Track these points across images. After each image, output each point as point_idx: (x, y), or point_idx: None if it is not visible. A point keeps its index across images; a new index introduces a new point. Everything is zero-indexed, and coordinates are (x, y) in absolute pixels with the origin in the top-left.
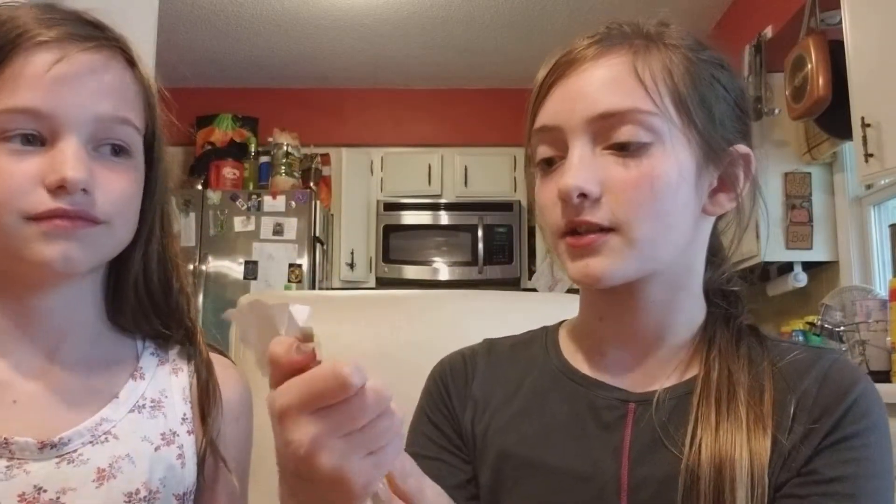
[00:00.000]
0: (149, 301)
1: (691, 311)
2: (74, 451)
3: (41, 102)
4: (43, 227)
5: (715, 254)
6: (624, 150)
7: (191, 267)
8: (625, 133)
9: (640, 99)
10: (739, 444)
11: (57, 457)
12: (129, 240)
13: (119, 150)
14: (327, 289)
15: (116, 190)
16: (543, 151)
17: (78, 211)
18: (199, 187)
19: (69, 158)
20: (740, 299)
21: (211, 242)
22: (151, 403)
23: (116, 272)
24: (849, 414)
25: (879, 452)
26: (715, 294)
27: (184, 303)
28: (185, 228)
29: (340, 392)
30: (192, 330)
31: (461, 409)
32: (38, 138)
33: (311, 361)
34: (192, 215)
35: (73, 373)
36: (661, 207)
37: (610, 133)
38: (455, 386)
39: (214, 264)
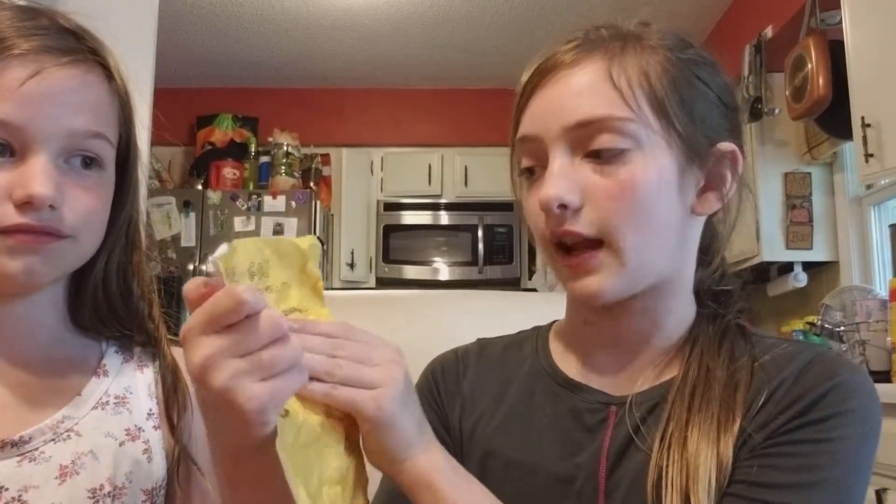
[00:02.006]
0: (107, 307)
1: (681, 313)
2: (36, 448)
3: (13, 116)
4: (8, 241)
5: (706, 252)
6: (601, 157)
7: (191, 267)
8: (602, 141)
9: (615, 105)
10: (706, 440)
11: (18, 455)
12: (94, 251)
13: (90, 163)
14: (327, 289)
15: (84, 205)
16: (525, 161)
17: (44, 226)
18: (200, 187)
19: (38, 174)
20: (731, 298)
21: (211, 242)
22: (115, 400)
23: (78, 278)
24: (820, 402)
25: (852, 441)
26: (706, 294)
27: (144, 308)
28: (185, 228)
29: (234, 310)
30: (154, 335)
31: (450, 407)
32: (8, 149)
33: (217, 290)
34: (193, 215)
35: (36, 373)
36: (644, 215)
37: (588, 142)
38: (445, 383)
39: None
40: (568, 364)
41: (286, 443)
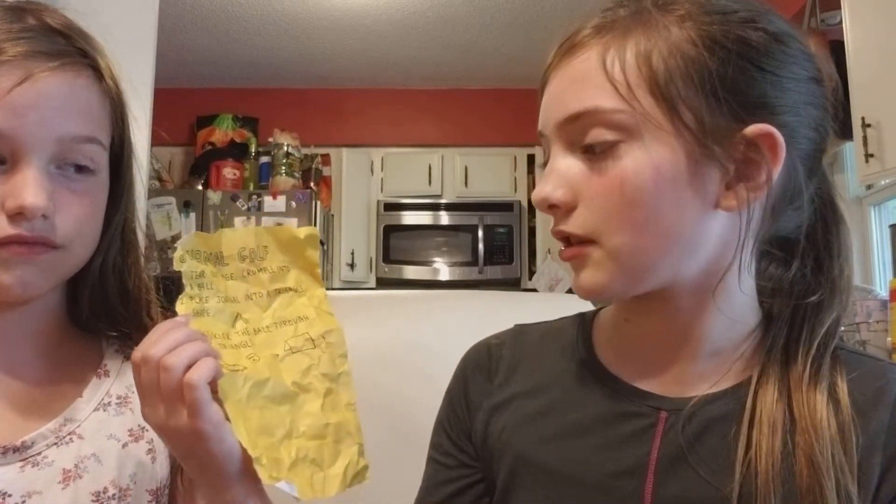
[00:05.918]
0: (104, 308)
1: (731, 316)
2: (39, 453)
3: (2, 124)
4: (2, 253)
5: (781, 248)
6: (594, 152)
7: None
8: (592, 135)
9: (603, 96)
10: (810, 474)
11: (21, 460)
12: (88, 258)
13: (83, 168)
14: (328, 289)
15: (77, 213)
16: (545, 154)
17: (37, 237)
18: (200, 187)
19: (29, 184)
20: (818, 313)
21: None
22: (117, 400)
23: (74, 279)
24: None
25: None
26: (783, 296)
27: (142, 309)
28: (185, 228)
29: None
30: None
31: (476, 409)
32: None
33: None
34: (193, 215)
35: (36, 377)
36: (636, 214)
37: (581, 136)
38: (476, 383)
39: None
40: (613, 361)
41: (237, 397)
